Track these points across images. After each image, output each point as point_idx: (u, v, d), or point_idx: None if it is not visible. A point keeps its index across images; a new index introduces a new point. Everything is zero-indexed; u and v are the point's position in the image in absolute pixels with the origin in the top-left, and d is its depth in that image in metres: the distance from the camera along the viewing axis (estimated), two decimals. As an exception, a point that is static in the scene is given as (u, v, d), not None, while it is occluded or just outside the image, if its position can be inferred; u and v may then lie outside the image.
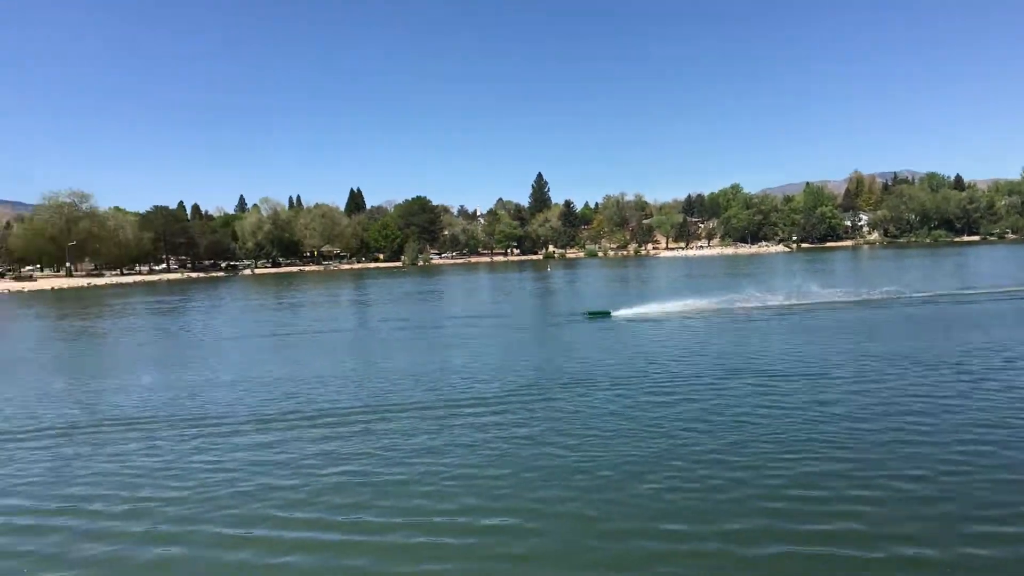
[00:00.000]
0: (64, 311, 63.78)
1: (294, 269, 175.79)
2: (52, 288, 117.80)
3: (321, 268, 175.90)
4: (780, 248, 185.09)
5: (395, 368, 23.71)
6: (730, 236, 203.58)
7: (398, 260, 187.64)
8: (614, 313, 37.39)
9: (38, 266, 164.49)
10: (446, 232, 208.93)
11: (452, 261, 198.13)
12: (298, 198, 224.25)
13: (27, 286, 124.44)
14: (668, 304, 39.37)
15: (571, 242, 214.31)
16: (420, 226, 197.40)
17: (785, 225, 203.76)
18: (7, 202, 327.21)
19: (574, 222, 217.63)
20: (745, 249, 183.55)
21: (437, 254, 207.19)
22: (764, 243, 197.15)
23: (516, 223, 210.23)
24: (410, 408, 17.78)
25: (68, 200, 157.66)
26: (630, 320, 35.24)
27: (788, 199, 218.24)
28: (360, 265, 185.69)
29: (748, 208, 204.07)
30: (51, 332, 44.48)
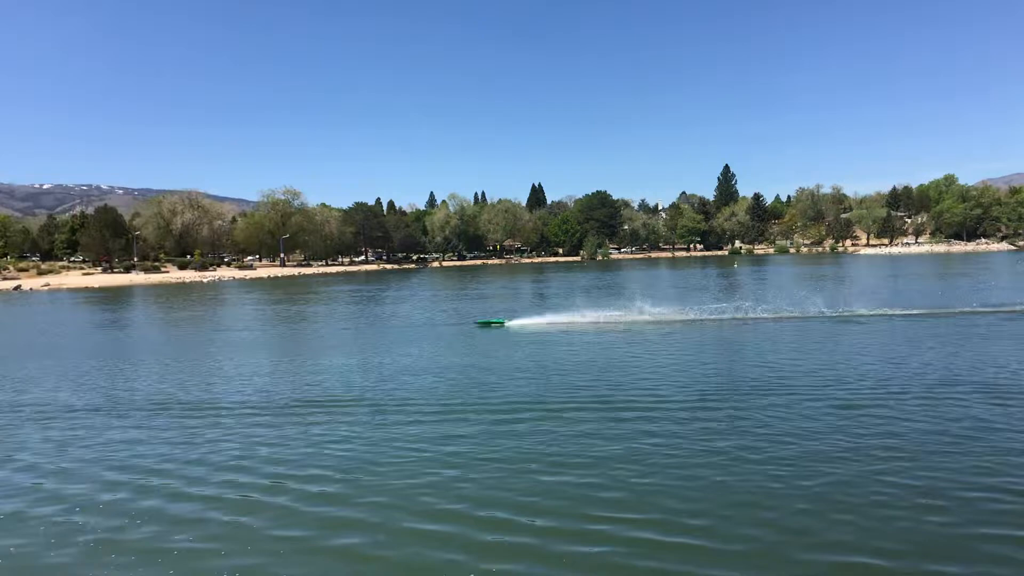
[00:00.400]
0: (278, 296, 70.65)
1: (478, 262, 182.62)
2: (268, 276, 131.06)
3: (503, 261, 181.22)
4: (1003, 246, 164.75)
5: (569, 361, 23.80)
6: (941, 232, 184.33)
7: (576, 255, 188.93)
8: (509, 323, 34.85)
9: (257, 256, 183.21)
10: (626, 227, 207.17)
11: (631, 256, 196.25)
12: (483, 194, 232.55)
13: (248, 274, 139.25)
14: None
15: (759, 237, 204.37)
16: (600, 221, 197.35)
17: (1010, 220, 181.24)
18: (233, 199, 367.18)
19: (763, 216, 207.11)
20: (960, 247, 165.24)
21: (616, 249, 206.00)
22: (983, 240, 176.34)
23: (700, 217, 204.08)
24: (533, 406, 17.75)
25: (283, 197, 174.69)
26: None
27: (1015, 190, 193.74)
28: (540, 259, 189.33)
29: (964, 201, 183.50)
30: (269, 314, 49.43)
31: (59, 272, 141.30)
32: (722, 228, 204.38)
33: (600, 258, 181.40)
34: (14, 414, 18.30)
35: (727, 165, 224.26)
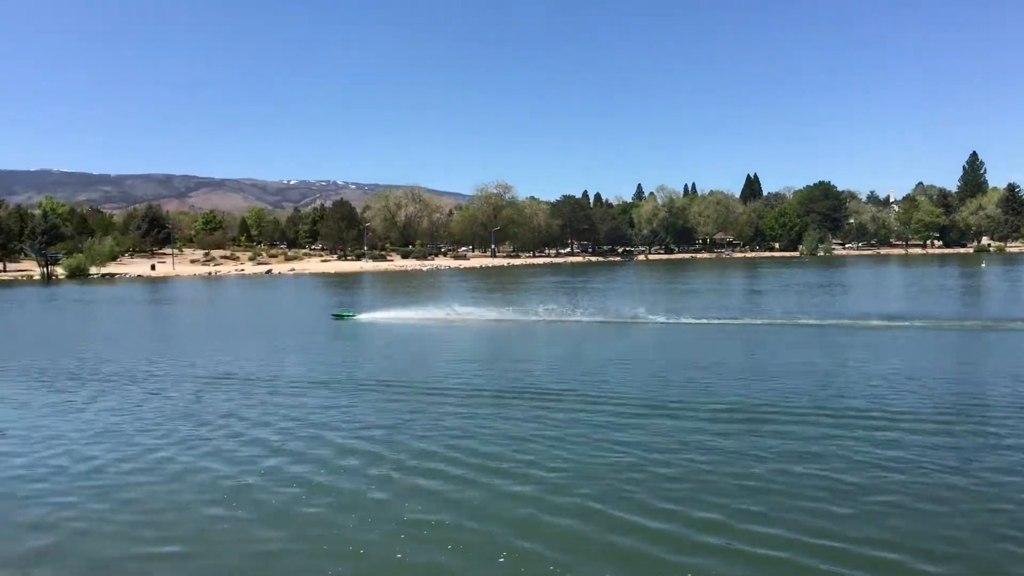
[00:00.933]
0: (491, 284, 74.00)
1: (686, 256, 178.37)
2: (480, 265, 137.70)
3: (713, 256, 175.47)
4: None
5: (773, 366, 22.59)
6: None
7: (795, 249, 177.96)
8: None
9: (470, 247, 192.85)
10: (851, 220, 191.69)
11: (857, 252, 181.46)
12: (692, 185, 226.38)
13: (462, 263, 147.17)
14: None
15: (1014, 233, 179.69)
16: (821, 213, 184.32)
17: None
18: (451, 193, 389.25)
19: (1019, 210, 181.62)
20: None
21: (840, 244, 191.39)
22: None
23: (939, 210, 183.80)
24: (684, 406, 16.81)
25: (495, 191, 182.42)
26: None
27: None
28: (753, 254, 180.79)
29: None
30: (483, 300, 51.95)
31: (302, 259, 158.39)
32: (966, 223, 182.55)
33: (822, 254, 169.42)
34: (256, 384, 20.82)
35: (975, 152, 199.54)
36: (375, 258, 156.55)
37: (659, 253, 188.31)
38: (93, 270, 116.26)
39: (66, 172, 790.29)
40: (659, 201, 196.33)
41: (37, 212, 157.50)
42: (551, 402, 16.17)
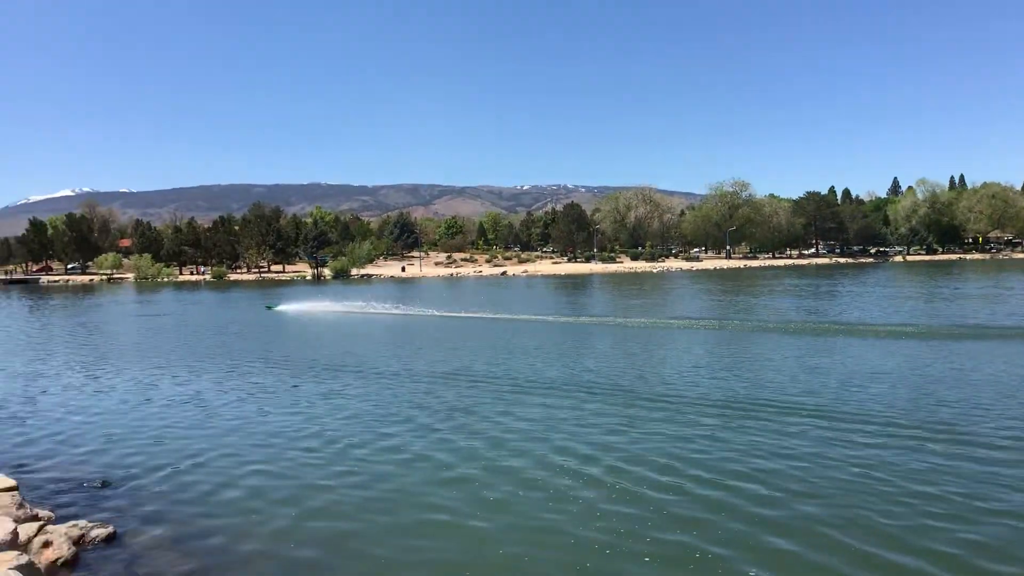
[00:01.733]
0: (724, 286, 70.91)
1: (952, 257, 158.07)
2: (714, 267, 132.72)
3: (986, 256, 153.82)
4: None
5: None
6: None
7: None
8: None
9: (703, 248, 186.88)
10: None
11: None
12: (960, 177, 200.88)
13: (694, 265, 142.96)
14: None
15: None
16: None
17: None
18: (681, 193, 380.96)
19: None
20: None
21: None
22: None
23: None
24: None
25: (731, 189, 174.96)
26: None
27: None
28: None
29: None
30: (718, 304, 49.86)
31: (534, 261, 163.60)
32: None
33: None
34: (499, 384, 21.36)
35: None
36: (604, 260, 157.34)
37: (919, 253, 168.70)
38: (354, 271, 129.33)
39: (331, 184, 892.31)
40: (919, 196, 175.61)
41: (309, 221, 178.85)
42: (780, 416, 14.73)
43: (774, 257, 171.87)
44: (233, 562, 8.57)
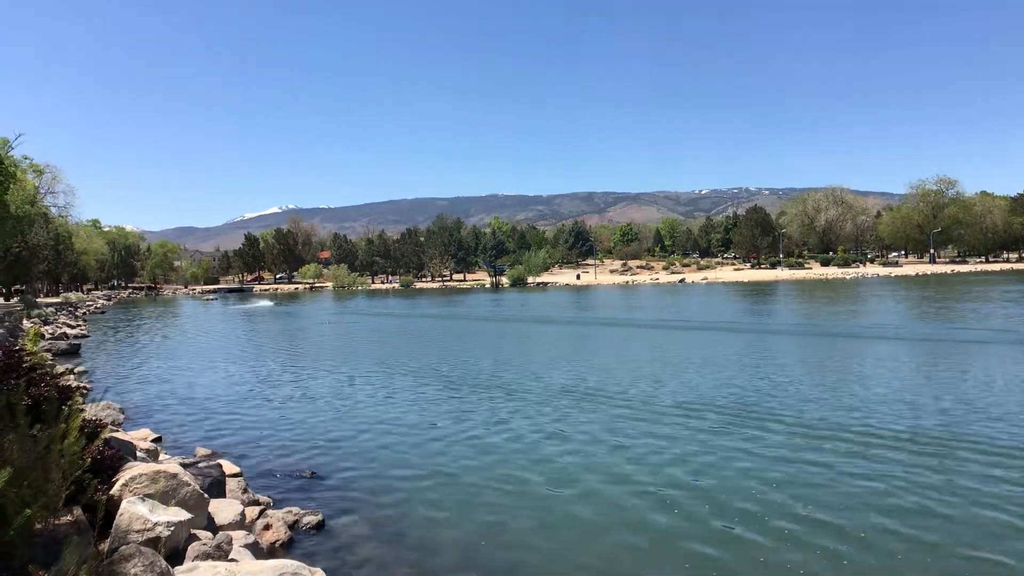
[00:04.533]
0: (924, 293, 64.59)
1: None
2: (916, 273, 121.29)
3: None
4: None
5: None
6: None
7: None
8: None
9: (903, 252, 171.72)
10: None
11: None
12: None
13: (892, 271, 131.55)
14: None
15: None
16: None
17: None
18: (877, 193, 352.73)
19: None
20: None
21: None
22: None
23: None
24: None
25: (935, 188, 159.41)
26: None
27: None
28: None
29: None
30: (913, 310, 45.54)
31: (714, 267, 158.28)
32: None
33: None
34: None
35: None
36: (791, 266, 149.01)
37: None
38: (530, 279, 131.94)
39: (508, 195, 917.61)
40: None
41: (487, 231, 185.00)
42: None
43: (987, 261, 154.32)
44: (428, 557, 8.93)
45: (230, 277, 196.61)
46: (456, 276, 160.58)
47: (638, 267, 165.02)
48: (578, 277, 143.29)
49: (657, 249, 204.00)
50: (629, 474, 11.79)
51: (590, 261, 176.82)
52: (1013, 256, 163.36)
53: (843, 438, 13.52)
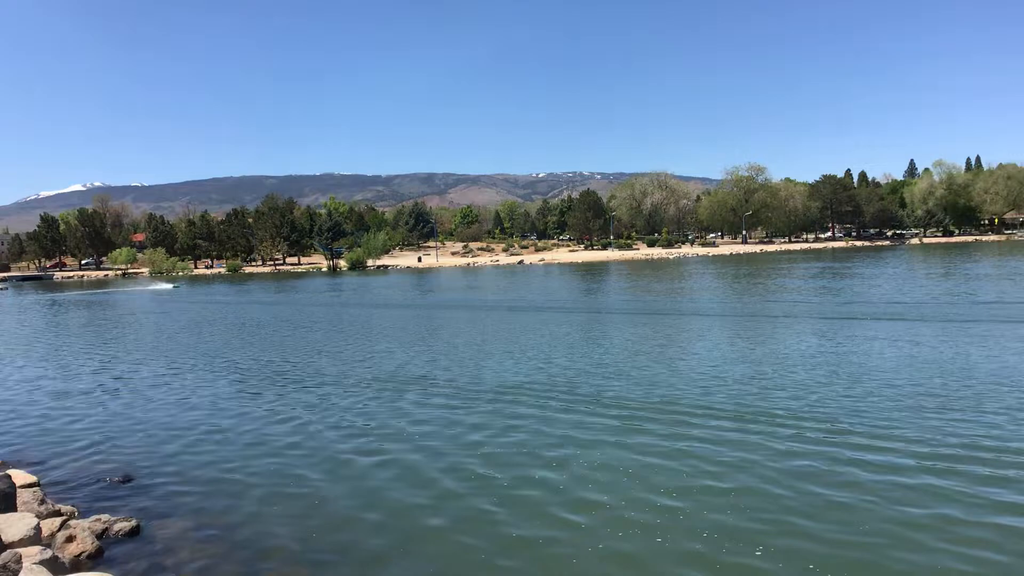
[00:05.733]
0: (740, 271, 70.27)
1: (969, 238, 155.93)
2: (730, 252, 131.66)
3: (1002, 238, 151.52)
4: None
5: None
6: None
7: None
8: None
9: (719, 233, 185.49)
10: None
11: None
12: (976, 159, 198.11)
13: (710, 251, 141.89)
14: None
15: None
16: None
17: None
18: (697, 178, 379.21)
19: None
20: None
21: None
22: None
23: None
24: None
25: (746, 174, 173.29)
26: None
27: None
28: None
29: None
30: (731, 284, 49.43)
31: (551, 249, 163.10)
32: None
33: None
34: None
35: None
36: (621, 247, 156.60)
37: (936, 236, 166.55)
38: (369, 262, 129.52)
39: (345, 175, 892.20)
40: (936, 178, 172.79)
41: (323, 212, 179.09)
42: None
43: (790, 241, 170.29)
44: (253, 554, 8.49)
45: (24, 263, 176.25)
46: (290, 260, 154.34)
47: (479, 249, 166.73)
48: (419, 259, 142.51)
49: (497, 231, 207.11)
50: (437, 456, 11.96)
51: (431, 243, 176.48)
52: (811, 236, 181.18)
53: (647, 414, 14.34)
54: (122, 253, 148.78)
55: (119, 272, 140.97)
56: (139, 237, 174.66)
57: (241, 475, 11.26)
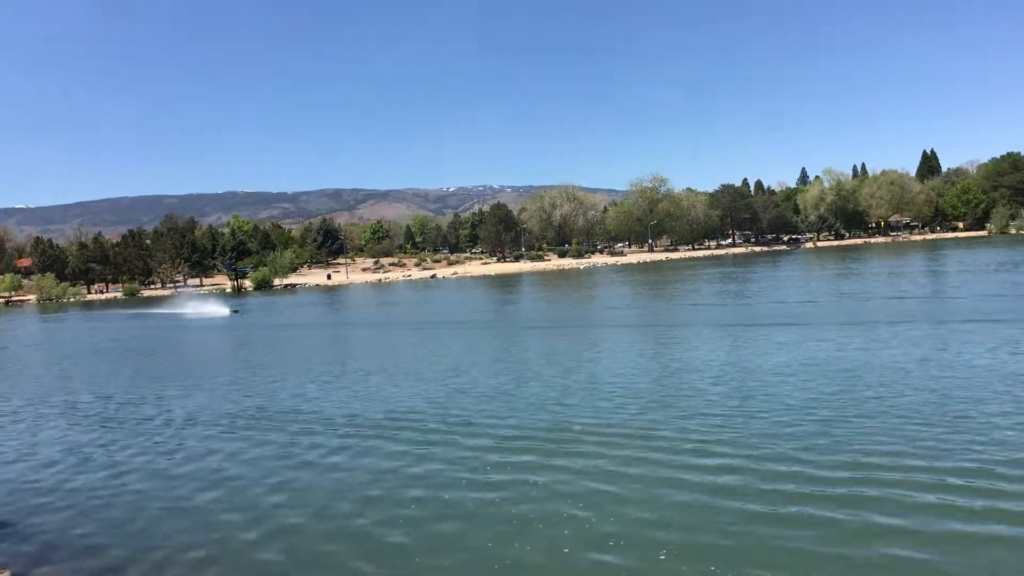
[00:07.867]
0: (649, 277, 72.26)
1: (858, 241, 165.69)
2: (638, 261, 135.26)
3: (888, 239, 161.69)
4: None
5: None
6: None
7: (981, 228, 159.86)
8: None
9: (627, 243, 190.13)
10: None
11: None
12: (862, 166, 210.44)
13: (619, 260, 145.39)
14: None
15: None
16: (1012, 188, 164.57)
17: None
18: (604, 190, 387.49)
19: None
20: None
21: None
22: None
23: None
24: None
25: (650, 185, 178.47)
26: None
27: None
28: (934, 235, 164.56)
29: None
30: (641, 290, 50.75)
31: (463, 262, 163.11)
32: None
33: (1014, 232, 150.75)
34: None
35: None
36: (533, 258, 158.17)
37: (828, 239, 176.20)
38: (276, 281, 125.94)
39: (249, 192, 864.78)
40: (826, 185, 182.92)
41: (226, 231, 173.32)
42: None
43: (693, 249, 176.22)
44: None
45: None
46: (192, 281, 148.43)
47: (390, 264, 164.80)
48: (329, 277, 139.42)
49: (408, 246, 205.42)
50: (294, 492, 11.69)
51: (341, 260, 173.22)
52: (712, 243, 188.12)
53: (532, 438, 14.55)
54: (5, 280, 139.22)
55: (2, 300, 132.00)
56: (25, 262, 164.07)
57: (122, 514, 10.70)
